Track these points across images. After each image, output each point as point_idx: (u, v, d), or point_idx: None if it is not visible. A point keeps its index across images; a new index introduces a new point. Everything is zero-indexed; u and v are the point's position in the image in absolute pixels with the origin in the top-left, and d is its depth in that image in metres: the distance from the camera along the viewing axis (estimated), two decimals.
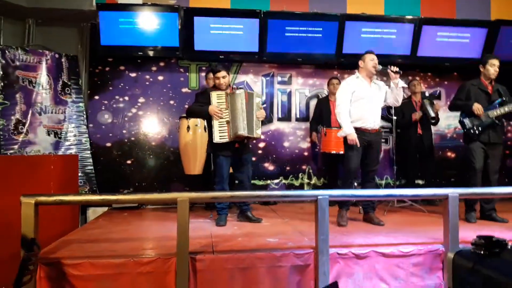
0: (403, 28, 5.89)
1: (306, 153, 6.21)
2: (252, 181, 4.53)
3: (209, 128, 4.17)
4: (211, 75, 5.13)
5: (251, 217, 4.28)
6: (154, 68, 6.01)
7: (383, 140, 6.14)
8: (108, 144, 5.83)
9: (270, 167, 6.13)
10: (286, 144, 6.20)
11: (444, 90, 6.60)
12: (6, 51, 5.17)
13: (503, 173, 6.33)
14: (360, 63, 4.20)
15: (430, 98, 5.62)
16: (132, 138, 5.90)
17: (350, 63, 5.64)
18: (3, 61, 5.13)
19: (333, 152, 5.18)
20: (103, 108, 5.85)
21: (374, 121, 4.14)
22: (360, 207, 4.58)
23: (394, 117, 5.45)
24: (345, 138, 4.11)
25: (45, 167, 4.07)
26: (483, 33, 6.02)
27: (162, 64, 6.02)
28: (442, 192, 3.16)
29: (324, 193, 2.96)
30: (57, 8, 5.44)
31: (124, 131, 5.88)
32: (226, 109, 4.05)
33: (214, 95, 4.08)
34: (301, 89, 6.34)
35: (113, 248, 3.18)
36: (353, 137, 4.01)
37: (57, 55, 5.54)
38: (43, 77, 5.39)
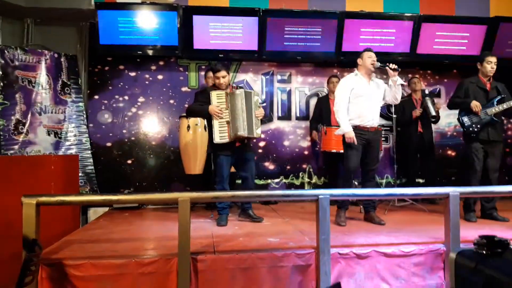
0: (402, 26, 5.88)
1: (306, 152, 6.21)
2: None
3: (209, 128, 4.17)
4: (210, 74, 5.12)
5: (252, 216, 4.29)
6: (153, 67, 6.00)
7: (383, 139, 6.15)
8: (108, 144, 5.82)
9: (270, 166, 6.13)
10: (286, 143, 6.20)
11: (444, 87, 6.59)
12: (5, 51, 5.16)
13: (504, 171, 6.34)
14: (359, 61, 4.20)
15: (431, 96, 5.60)
16: (132, 138, 5.89)
17: (349, 61, 5.63)
18: (2, 61, 5.12)
19: (334, 151, 5.17)
20: (103, 108, 5.85)
21: (372, 119, 4.13)
22: (361, 207, 4.59)
23: (394, 115, 5.45)
24: (343, 137, 4.11)
25: (45, 167, 4.07)
26: (483, 30, 6.01)
27: (161, 63, 6.02)
28: (443, 191, 3.16)
29: (325, 193, 2.95)
30: (55, 7, 5.43)
31: (124, 131, 5.87)
32: (226, 109, 4.05)
33: (214, 94, 4.07)
34: (300, 88, 6.33)
35: (115, 248, 3.18)
36: (350, 135, 4.02)
37: (56, 55, 5.53)
38: (42, 77, 5.38)
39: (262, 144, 6.10)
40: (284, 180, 6.15)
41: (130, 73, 5.95)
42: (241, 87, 4.30)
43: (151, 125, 5.94)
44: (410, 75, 6.30)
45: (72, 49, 5.84)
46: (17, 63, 5.22)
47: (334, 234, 3.19)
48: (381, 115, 6.17)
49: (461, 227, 3.06)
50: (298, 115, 6.27)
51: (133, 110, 5.92)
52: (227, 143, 4.06)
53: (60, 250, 3.08)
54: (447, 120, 6.30)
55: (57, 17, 5.66)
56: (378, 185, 6.17)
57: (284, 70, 6.31)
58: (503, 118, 4.55)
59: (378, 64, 4.08)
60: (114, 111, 5.87)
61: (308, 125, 6.13)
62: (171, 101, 5.99)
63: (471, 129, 4.31)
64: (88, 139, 5.64)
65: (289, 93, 6.29)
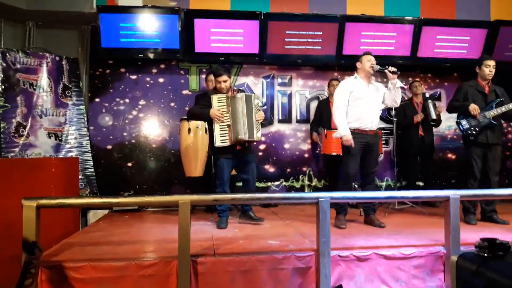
0: (403, 29, 5.90)
1: (306, 155, 6.21)
2: None
3: (210, 131, 4.17)
4: (211, 77, 5.14)
5: (253, 217, 4.29)
6: (154, 70, 6.01)
7: (383, 142, 6.15)
8: (109, 147, 5.83)
9: (270, 169, 6.13)
10: (286, 146, 6.20)
11: (444, 91, 6.60)
12: (7, 54, 5.18)
13: (504, 175, 6.34)
14: (358, 64, 4.21)
15: (432, 100, 5.60)
16: (133, 141, 5.90)
17: (350, 65, 5.60)
18: (4, 64, 5.13)
19: (334, 153, 5.16)
20: (103, 111, 5.86)
21: (371, 122, 4.14)
22: (361, 209, 4.59)
23: (395, 119, 5.46)
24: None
25: (46, 170, 4.07)
26: (483, 33, 6.02)
27: (162, 66, 6.03)
28: (443, 194, 3.17)
29: (325, 196, 2.96)
30: (57, 10, 5.45)
31: (124, 134, 5.88)
32: (227, 113, 4.05)
33: (215, 98, 4.08)
34: (301, 91, 6.34)
35: (115, 251, 3.18)
36: (348, 138, 4.03)
37: (57, 58, 5.55)
38: (43, 79, 5.39)
39: (262, 147, 6.11)
40: (284, 183, 6.15)
41: (131, 76, 5.96)
42: (242, 91, 4.31)
43: (152, 128, 5.95)
44: (410, 79, 6.31)
45: (74, 52, 5.86)
46: (18, 66, 5.24)
47: (334, 236, 3.19)
48: (382, 118, 6.25)
49: (461, 229, 3.07)
50: (298, 118, 6.28)
51: (134, 113, 5.92)
52: (228, 147, 4.06)
53: (60, 253, 3.09)
54: (447, 123, 6.29)
55: (58, 20, 5.68)
56: (378, 188, 6.17)
57: (284, 73, 6.32)
58: (502, 122, 4.54)
59: (377, 67, 4.09)
60: (115, 114, 5.88)
61: (308, 128, 6.13)
62: (172, 104, 6.00)
63: (469, 132, 4.32)
64: (89, 141, 5.65)
65: (289, 96, 6.30)
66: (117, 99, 5.90)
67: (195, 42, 5.61)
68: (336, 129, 4.15)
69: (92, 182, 5.55)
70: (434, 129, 5.80)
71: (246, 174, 4.26)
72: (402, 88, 4.24)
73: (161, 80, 6.02)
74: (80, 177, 5.06)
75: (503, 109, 4.23)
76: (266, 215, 4.73)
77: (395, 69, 4.03)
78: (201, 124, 4.94)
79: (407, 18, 5.90)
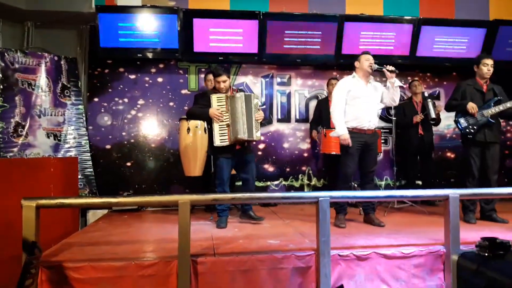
0: (402, 29, 5.90)
1: (306, 154, 6.21)
2: None
3: (210, 130, 4.17)
4: (210, 76, 5.13)
5: (253, 216, 4.30)
6: (153, 70, 6.01)
7: (382, 141, 6.16)
8: (108, 146, 5.82)
9: (270, 168, 6.13)
10: (285, 145, 6.20)
11: (444, 90, 6.61)
12: (5, 54, 5.17)
13: (503, 173, 6.35)
14: (356, 63, 4.22)
15: (432, 99, 5.61)
16: (132, 140, 5.89)
17: (349, 64, 5.59)
18: (3, 64, 5.12)
19: (333, 153, 5.16)
20: (102, 110, 5.85)
21: (369, 121, 4.14)
22: (360, 208, 4.59)
23: (394, 118, 5.46)
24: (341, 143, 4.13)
25: (45, 170, 4.06)
26: (482, 33, 6.03)
27: (161, 66, 6.02)
28: (442, 193, 3.16)
29: (325, 195, 2.96)
30: (56, 10, 5.44)
31: (123, 133, 5.88)
32: (226, 112, 4.05)
33: (214, 98, 4.08)
34: (300, 90, 6.34)
35: (114, 251, 3.18)
36: (345, 137, 4.03)
37: (56, 58, 5.54)
38: (42, 79, 5.38)
39: (261, 146, 6.11)
40: (283, 182, 6.15)
41: (130, 76, 5.95)
42: (241, 90, 4.31)
43: (151, 127, 5.95)
44: (409, 78, 6.32)
45: (72, 52, 5.85)
46: (17, 65, 5.23)
47: (334, 236, 3.19)
48: (381, 118, 6.26)
49: (461, 228, 3.06)
50: (297, 117, 6.28)
51: (133, 112, 5.92)
52: (227, 146, 4.06)
53: (59, 253, 3.08)
54: (447, 122, 6.29)
55: (57, 20, 5.67)
56: (377, 187, 6.18)
57: (284, 72, 6.32)
58: (501, 120, 4.55)
59: (376, 66, 4.09)
60: (113, 114, 5.87)
61: (307, 128, 6.14)
62: (171, 104, 6.00)
63: (467, 130, 4.33)
64: (88, 141, 5.64)
65: (288, 96, 6.30)
66: (116, 99, 5.89)
67: (194, 41, 5.61)
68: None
69: (91, 182, 5.55)
70: (434, 128, 5.81)
71: (245, 173, 4.26)
72: (400, 87, 4.24)
73: (160, 79, 6.01)
74: (79, 177, 5.05)
75: (501, 107, 4.24)
76: (265, 215, 4.73)
77: (393, 68, 4.03)
78: (200, 124, 4.94)
79: (406, 17, 5.90)
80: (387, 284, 3.06)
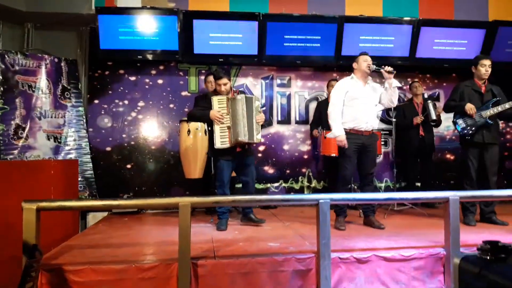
0: (401, 30, 5.91)
1: (306, 156, 6.21)
2: None
3: (210, 132, 4.18)
4: (210, 78, 5.14)
5: (254, 219, 4.30)
6: (153, 72, 6.01)
7: (382, 143, 6.16)
8: (108, 149, 5.82)
9: (270, 170, 6.13)
10: (286, 147, 6.20)
11: (443, 91, 6.61)
12: (6, 56, 5.17)
13: (502, 175, 6.35)
14: (354, 64, 4.22)
15: (432, 100, 5.61)
16: (132, 142, 5.89)
17: (349, 65, 5.58)
18: (3, 66, 5.13)
19: (333, 155, 5.16)
20: (102, 112, 5.85)
21: (367, 122, 4.13)
22: (360, 211, 4.59)
23: (394, 119, 5.46)
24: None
25: (45, 172, 4.06)
26: (481, 34, 6.04)
27: (161, 67, 6.02)
28: (443, 195, 3.16)
29: (326, 197, 2.95)
30: (56, 12, 5.45)
31: (124, 135, 5.88)
32: (227, 114, 4.05)
33: (215, 99, 4.09)
34: (300, 92, 6.34)
35: (114, 253, 3.18)
36: (342, 138, 4.04)
37: (56, 59, 5.54)
38: (42, 81, 5.38)
39: (261, 148, 6.11)
40: (283, 184, 6.15)
41: (130, 78, 5.95)
42: (242, 92, 4.30)
43: (151, 129, 5.95)
44: (409, 79, 6.32)
45: (72, 54, 5.85)
46: (17, 67, 5.23)
47: (334, 238, 3.19)
48: (381, 119, 6.25)
49: (461, 231, 3.06)
50: (297, 119, 6.28)
51: (133, 114, 5.92)
52: (228, 148, 4.06)
53: (59, 256, 3.08)
54: (446, 123, 6.29)
55: (57, 21, 5.67)
56: (377, 189, 6.18)
57: (283, 74, 6.32)
58: (500, 122, 4.54)
59: (374, 66, 4.09)
60: (114, 116, 5.87)
61: (307, 129, 6.16)
62: (171, 106, 6.00)
63: (465, 131, 4.33)
64: (88, 143, 5.64)
65: (288, 97, 6.31)
66: (116, 101, 5.89)
67: (194, 43, 5.61)
68: None
69: (92, 184, 5.55)
70: (434, 130, 5.81)
71: (245, 176, 4.26)
72: (399, 88, 4.24)
73: (160, 81, 6.01)
74: (79, 179, 5.05)
75: (499, 108, 4.23)
76: (265, 217, 4.73)
77: (391, 69, 4.03)
78: (201, 126, 4.94)
79: (405, 18, 5.91)
80: (387, 287, 3.06)
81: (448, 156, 6.52)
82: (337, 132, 4.07)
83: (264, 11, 5.75)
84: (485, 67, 4.34)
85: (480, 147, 4.32)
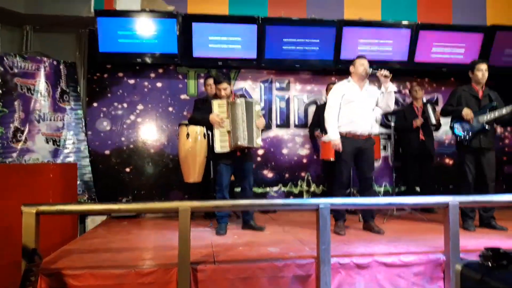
0: (400, 34, 5.92)
1: (305, 160, 6.21)
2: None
3: (210, 136, 4.18)
4: (209, 81, 5.14)
5: (254, 226, 4.29)
6: (152, 75, 6.00)
7: (381, 147, 6.16)
8: (107, 152, 5.80)
9: (269, 174, 6.12)
10: (285, 151, 6.20)
11: (442, 95, 6.63)
12: (5, 58, 5.16)
13: (501, 180, 6.34)
14: (351, 68, 4.22)
15: (432, 104, 5.63)
16: (131, 146, 5.88)
17: (347, 69, 5.64)
18: (2, 69, 5.11)
19: (332, 159, 5.16)
20: (101, 115, 5.83)
21: (363, 126, 4.12)
22: (360, 215, 4.59)
23: (392, 124, 5.46)
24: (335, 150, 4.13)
25: (44, 176, 4.05)
26: (479, 38, 6.06)
27: (160, 71, 6.02)
28: (442, 200, 3.15)
29: (326, 202, 2.94)
30: (55, 14, 5.44)
31: (122, 139, 5.86)
32: (226, 118, 4.05)
33: (215, 103, 4.09)
34: (299, 95, 6.34)
35: (114, 258, 3.17)
36: (337, 142, 4.04)
37: (55, 62, 5.53)
38: (41, 84, 5.37)
39: (260, 152, 6.10)
40: (282, 188, 6.14)
41: (129, 81, 5.95)
42: (243, 96, 4.30)
43: (150, 132, 5.94)
44: (408, 83, 6.34)
45: (71, 56, 5.84)
46: (16, 70, 5.22)
47: (333, 243, 3.18)
48: (380, 124, 6.25)
49: (460, 236, 3.05)
50: (296, 123, 6.28)
51: (132, 117, 5.91)
52: (228, 152, 4.06)
53: (59, 260, 3.07)
54: (445, 128, 6.31)
55: (56, 24, 5.67)
56: (376, 194, 6.17)
57: (282, 77, 6.32)
58: (495, 125, 4.54)
59: (370, 70, 4.09)
60: (112, 119, 5.86)
61: (306, 133, 6.16)
62: (170, 109, 5.99)
63: (462, 136, 4.33)
64: (87, 147, 5.62)
65: (287, 101, 6.31)
66: (115, 104, 5.88)
67: (193, 46, 5.61)
68: None
69: (90, 187, 5.53)
70: (433, 134, 5.81)
71: (243, 182, 4.28)
72: (397, 92, 4.23)
73: (159, 84, 6.01)
74: (78, 182, 5.04)
75: (496, 114, 4.24)
76: (264, 221, 4.74)
77: (387, 73, 4.01)
78: (200, 129, 4.93)
79: (404, 22, 5.92)
80: None
81: (446, 160, 6.53)
82: (332, 136, 4.07)
83: (263, 15, 5.75)
84: (481, 72, 4.34)
85: (477, 152, 4.32)
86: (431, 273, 3.10)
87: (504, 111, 4.22)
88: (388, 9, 6.21)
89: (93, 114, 5.82)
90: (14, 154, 5.07)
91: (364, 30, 5.85)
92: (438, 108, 6.20)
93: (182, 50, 5.59)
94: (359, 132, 4.11)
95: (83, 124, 5.65)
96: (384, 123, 6.32)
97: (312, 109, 6.19)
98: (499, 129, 6.66)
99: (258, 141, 4.13)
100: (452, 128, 4.46)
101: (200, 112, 4.23)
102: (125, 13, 5.49)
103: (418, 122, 5.49)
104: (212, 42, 5.65)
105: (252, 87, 6.23)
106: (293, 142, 6.23)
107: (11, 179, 3.85)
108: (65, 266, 2.88)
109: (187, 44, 5.59)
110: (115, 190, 5.72)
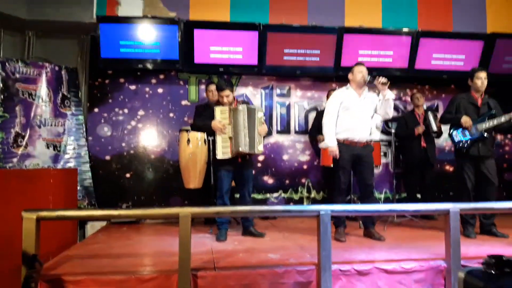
0: (400, 41, 5.94)
1: (305, 166, 6.21)
2: (252, 195, 4.52)
3: (212, 142, 4.18)
4: (211, 87, 5.16)
5: (254, 233, 4.28)
6: (153, 81, 6.01)
7: (382, 154, 6.16)
8: (108, 157, 5.81)
9: (269, 180, 6.12)
10: (285, 157, 6.20)
11: (442, 102, 6.65)
12: (7, 64, 5.16)
13: (501, 187, 6.34)
14: (350, 75, 4.23)
15: (433, 111, 5.64)
16: (132, 151, 5.88)
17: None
18: (3, 74, 5.11)
19: (332, 165, 5.17)
20: (102, 121, 5.84)
21: (361, 133, 4.13)
22: (360, 222, 4.58)
23: (393, 130, 5.46)
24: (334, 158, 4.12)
25: (44, 181, 4.04)
26: (480, 45, 6.08)
27: (161, 76, 6.03)
28: (443, 207, 3.15)
29: (326, 208, 2.93)
30: (57, 20, 5.44)
31: (123, 144, 5.87)
32: (228, 124, 4.06)
33: (218, 110, 4.10)
34: (300, 102, 6.36)
35: (114, 264, 3.16)
36: (333, 149, 4.04)
37: (57, 68, 5.54)
38: (43, 89, 5.36)
39: (261, 158, 6.10)
40: (283, 195, 6.14)
41: (130, 86, 5.96)
42: (246, 102, 4.29)
43: (151, 138, 5.94)
44: (408, 91, 6.35)
45: (73, 62, 5.84)
46: (18, 75, 5.22)
47: (334, 250, 3.15)
48: (381, 130, 6.26)
49: (461, 243, 3.05)
50: (297, 129, 6.29)
51: (133, 123, 5.92)
52: (229, 158, 4.06)
53: (59, 266, 3.06)
54: (445, 135, 6.32)
55: (58, 30, 5.68)
56: (377, 201, 6.17)
57: (283, 84, 6.34)
58: (493, 133, 4.53)
59: (369, 77, 4.09)
60: (113, 124, 5.87)
61: (307, 139, 6.17)
62: (171, 115, 6.00)
63: (461, 144, 4.34)
64: (87, 152, 5.61)
65: (288, 107, 6.32)
66: (116, 109, 5.89)
67: (194, 52, 5.63)
68: None
69: (91, 193, 5.51)
70: (435, 141, 5.81)
71: (242, 189, 4.28)
72: (396, 99, 4.24)
73: (160, 90, 6.02)
74: (78, 188, 5.03)
75: (495, 122, 4.24)
76: (264, 227, 4.73)
77: (385, 80, 4.01)
78: (201, 135, 4.94)
79: (404, 30, 5.95)
80: None
81: (447, 167, 6.53)
82: (330, 143, 4.08)
83: (265, 22, 5.77)
84: (480, 80, 4.35)
85: (475, 160, 4.32)
86: (432, 280, 3.09)
87: (502, 119, 4.23)
88: (388, 17, 6.22)
89: (94, 119, 5.83)
90: (15, 159, 5.06)
91: (364, 37, 5.88)
92: (439, 115, 6.23)
93: (184, 56, 5.61)
94: (356, 139, 4.12)
95: (84, 129, 5.65)
96: (384, 130, 6.33)
97: (312, 116, 6.19)
98: (499, 136, 6.67)
99: (259, 148, 4.13)
100: (450, 135, 4.47)
101: (202, 119, 4.23)
102: (127, 19, 5.52)
103: (420, 129, 5.50)
104: (214, 48, 5.67)
105: (253, 93, 6.25)
106: (294, 148, 6.24)
107: (11, 184, 3.84)
108: (65, 272, 2.87)
109: (188, 50, 5.61)
110: (115, 196, 5.72)
